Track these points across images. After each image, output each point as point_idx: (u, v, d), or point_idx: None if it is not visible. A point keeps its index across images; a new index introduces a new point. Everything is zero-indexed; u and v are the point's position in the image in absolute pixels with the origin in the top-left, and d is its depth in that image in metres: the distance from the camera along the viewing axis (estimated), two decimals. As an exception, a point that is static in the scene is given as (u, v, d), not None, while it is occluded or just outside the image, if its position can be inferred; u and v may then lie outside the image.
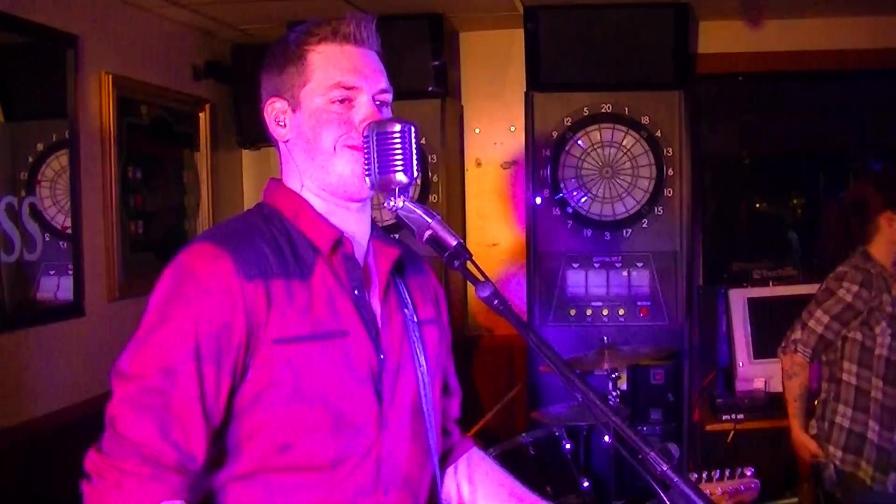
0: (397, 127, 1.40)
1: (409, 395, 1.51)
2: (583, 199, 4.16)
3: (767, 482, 2.44)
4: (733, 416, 3.87)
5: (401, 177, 1.40)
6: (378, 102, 1.47)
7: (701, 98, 4.52)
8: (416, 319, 1.55)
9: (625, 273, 4.12)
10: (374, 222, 1.57)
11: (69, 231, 3.29)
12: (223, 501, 1.40)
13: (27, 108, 3.21)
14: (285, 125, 1.50)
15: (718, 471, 2.35)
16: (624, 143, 4.13)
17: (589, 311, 4.13)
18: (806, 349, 3.02)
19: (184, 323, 1.33)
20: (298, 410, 1.38)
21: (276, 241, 1.43)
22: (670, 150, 4.10)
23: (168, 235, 4.01)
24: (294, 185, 1.51)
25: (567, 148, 4.15)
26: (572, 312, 4.14)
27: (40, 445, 3.01)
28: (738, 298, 4.19)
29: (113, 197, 3.53)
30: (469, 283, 1.39)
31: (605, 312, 4.12)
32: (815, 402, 3.16)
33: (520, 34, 4.14)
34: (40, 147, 3.23)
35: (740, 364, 4.11)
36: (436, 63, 4.14)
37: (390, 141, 1.40)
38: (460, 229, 4.56)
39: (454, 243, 1.39)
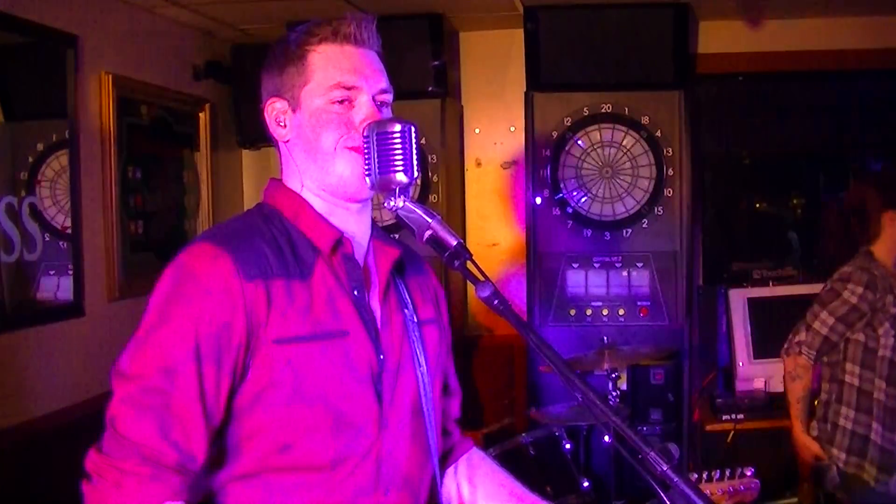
0: (397, 127, 1.40)
1: (409, 395, 1.51)
2: (583, 199, 4.16)
3: (767, 482, 2.44)
4: (733, 416, 3.87)
5: (401, 177, 1.40)
6: (378, 103, 1.47)
7: (701, 98, 4.52)
8: (416, 320, 1.55)
9: (625, 273, 4.12)
10: (374, 222, 1.57)
11: (69, 231, 3.29)
12: (223, 501, 1.40)
13: (27, 108, 3.21)
14: (285, 125, 1.50)
15: (718, 471, 2.35)
16: (624, 143, 4.13)
17: (589, 311, 4.13)
18: (810, 351, 3.00)
19: (184, 323, 1.33)
20: (298, 410, 1.38)
21: (277, 241, 1.44)
22: (670, 150, 4.10)
23: (168, 235, 4.01)
24: (294, 185, 1.51)
25: (567, 148, 4.15)
26: (572, 312, 4.14)
27: (40, 445, 3.01)
28: (738, 298, 4.19)
29: (113, 197, 3.53)
30: (469, 283, 1.39)
31: (605, 312, 4.12)
32: (815, 403, 3.15)
33: (520, 34, 4.14)
34: (40, 147, 3.23)
35: (740, 364, 4.11)
36: (436, 63, 4.14)
37: (390, 141, 1.40)
38: (460, 229, 4.56)
39: (454, 243, 1.39)
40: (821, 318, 2.99)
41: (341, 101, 1.45)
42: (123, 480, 1.27)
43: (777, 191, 5.34)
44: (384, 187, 1.41)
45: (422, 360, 1.53)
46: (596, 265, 4.14)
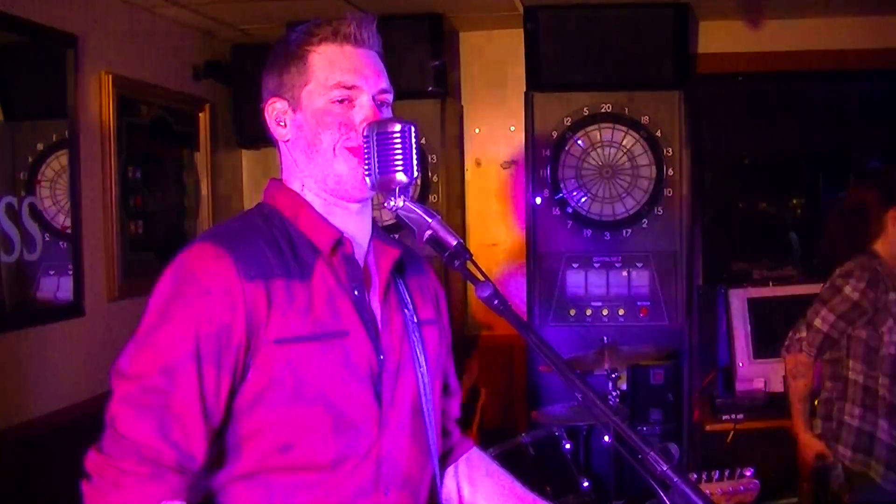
0: (397, 127, 1.40)
1: (409, 395, 1.51)
2: (583, 199, 4.16)
3: (767, 482, 2.45)
4: (733, 416, 3.87)
5: (401, 177, 1.40)
6: (378, 103, 1.47)
7: (701, 98, 4.52)
8: (416, 320, 1.55)
9: (625, 273, 4.12)
10: (374, 222, 1.57)
11: (69, 231, 3.29)
12: (223, 501, 1.40)
13: (27, 108, 3.21)
14: (286, 125, 1.50)
15: (718, 471, 2.36)
16: (624, 143, 4.13)
17: (589, 311, 4.13)
18: (811, 348, 2.99)
19: (184, 323, 1.33)
20: (298, 410, 1.38)
21: (277, 241, 1.44)
22: (670, 150, 4.10)
23: (168, 235, 4.01)
24: (294, 185, 1.51)
25: (567, 148, 4.15)
26: (572, 312, 4.14)
27: (40, 445, 3.01)
28: (738, 298, 4.19)
29: (113, 197, 3.53)
30: (469, 283, 1.39)
31: (605, 312, 4.12)
32: (816, 402, 3.14)
33: (520, 34, 4.14)
34: (40, 147, 3.23)
35: (740, 364, 4.11)
36: (436, 63, 4.14)
37: (390, 141, 1.40)
38: (460, 229, 4.56)
39: (454, 243, 1.39)
40: (822, 316, 2.98)
41: (341, 101, 1.45)
42: (123, 480, 1.27)
43: (777, 191, 5.34)
44: (384, 187, 1.41)
45: (422, 360, 1.53)
46: (596, 265, 4.14)
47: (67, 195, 3.29)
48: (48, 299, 3.24)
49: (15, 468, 2.94)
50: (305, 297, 1.40)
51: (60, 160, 3.27)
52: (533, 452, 3.34)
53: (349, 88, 1.45)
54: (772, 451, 3.60)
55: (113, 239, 3.54)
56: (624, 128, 4.12)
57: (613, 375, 3.55)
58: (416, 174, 1.41)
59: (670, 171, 4.10)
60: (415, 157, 1.41)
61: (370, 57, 1.49)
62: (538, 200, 4.17)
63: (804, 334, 3.01)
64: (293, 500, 1.39)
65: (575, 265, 4.15)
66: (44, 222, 3.20)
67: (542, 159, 4.16)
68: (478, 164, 4.64)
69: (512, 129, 4.51)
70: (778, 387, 3.92)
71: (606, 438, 3.55)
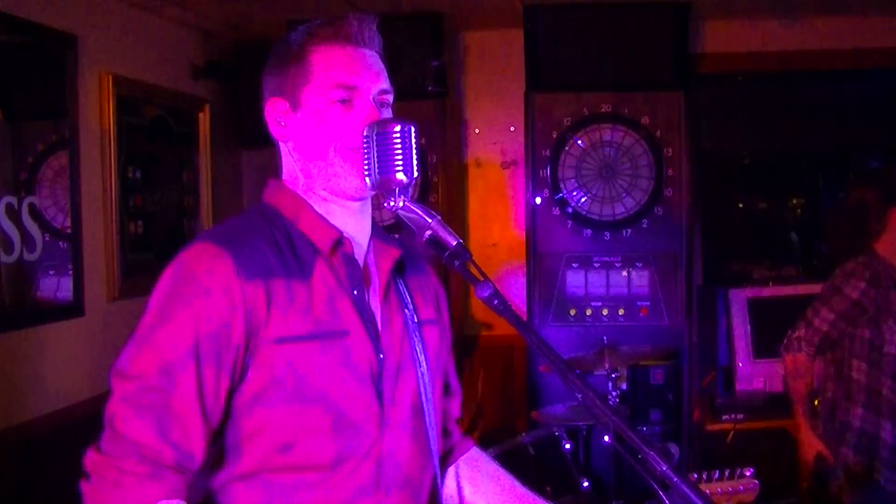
0: (397, 127, 1.40)
1: (409, 395, 1.51)
2: (582, 199, 4.16)
3: (767, 482, 2.44)
4: (733, 416, 3.87)
5: (401, 177, 1.40)
6: (378, 103, 1.47)
7: (701, 98, 4.52)
8: (416, 320, 1.55)
9: (624, 273, 4.12)
10: (374, 222, 1.57)
11: (69, 231, 3.29)
12: (223, 501, 1.40)
13: (27, 108, 3.21)
14: (286, 125, 1.50)
15: (718, 471, 2.35)
16: (624, 143, 4.13)
17: (589, 311, 4.13)
18: (809, 347, 2.97)
19: (183, 323, 1.33)
20: (299, 410, 1.38)
21: (277, 240, 1.43)
22: (670, 150, 4.10)
23: (168, 235, 4.00)
24: (294, 184, 1.52)
25: (567, 148, 4.15)
26: (572, 312, 4.14)
27: (40, 445, 3.01)
28: (738, 298, 4.19)
29: (113, 197, 3.53)
30: (469, 283, 1.39)
31: (604, 312, 4.12)
32: (816, 402, 3.14)
33: (520, 34, 4.14)
34: (40, 147, 3.23)
35: (740, 364, 4.12)
36: (436, 63, 4.14)
37: (390, 141, 1.40)
38: (460, 229, 4.56)
39: (454, 243, 1.39)
40: (821, 315, 2.97)
41: (342, 102, 1.45)
42: (122, 479, 1.27)
43: (777, 191, 5.35)
44: (384, 187, 1.41)
45: (422, 360, 1.53)
46: (596, 265, 4.14)
47: (67, 195, 3.29)
48: (48, 299, 3.24)
49: (15, 468, 2.94)
50: (305, 297, 1.40)
51: (60, 160, 3.27)
52: (533, 452, 3.34)
53: (349, 89, 1.45)
54: (772, 451, 3.60)
55: (113, 239, 3.54)
56: (624, 128, 4.12)
57: (613, 375, 3.55)
58: (416, 174, 1.41)
59: (670, 171, 4.10)
60: (415, 157, 1.41)
61: (370, 57, 1.49)
62: (538, 200, 4.18)
63: (803, 333, 2.99)
64: (293, 499, 1.39)
65: (575, 265, 4.15)
66: (44, 222, 3.20)
67: (542, 159, 4.16)
68: (478, 164, 4.64)
69: (512, 129, 4.51)
70: (778, 387, 3.93)
71: (606, 438, 3.55)
